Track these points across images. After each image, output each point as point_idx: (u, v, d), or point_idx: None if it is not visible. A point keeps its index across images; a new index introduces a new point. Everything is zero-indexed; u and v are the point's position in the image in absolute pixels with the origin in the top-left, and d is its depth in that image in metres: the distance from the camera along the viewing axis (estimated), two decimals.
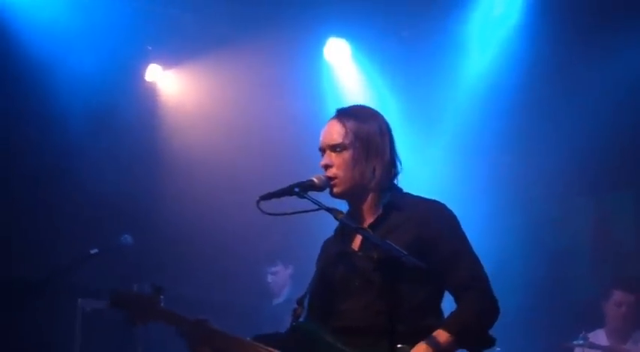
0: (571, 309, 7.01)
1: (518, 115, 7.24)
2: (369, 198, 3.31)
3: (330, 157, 3.28)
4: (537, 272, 7.17)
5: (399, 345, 3.04)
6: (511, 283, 6.88)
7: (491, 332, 3.21)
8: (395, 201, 3.29)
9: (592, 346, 6.05)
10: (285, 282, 7.08)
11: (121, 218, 6.87)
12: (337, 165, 3.26)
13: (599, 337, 6.34)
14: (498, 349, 6.32)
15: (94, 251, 5.94)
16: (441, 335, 3.06)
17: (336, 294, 3.27)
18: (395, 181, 3.38)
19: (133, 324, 3.48)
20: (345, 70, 7.87)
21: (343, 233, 3.34)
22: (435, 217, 3.25)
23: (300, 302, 3.30)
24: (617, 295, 6.32)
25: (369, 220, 3.29)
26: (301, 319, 3.30)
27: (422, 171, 6.73)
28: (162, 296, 3.47)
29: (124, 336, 6.37)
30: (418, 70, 7.54)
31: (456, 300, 3.20)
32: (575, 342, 6.11)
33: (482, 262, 3.26)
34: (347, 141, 3.26)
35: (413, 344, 3.06)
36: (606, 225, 7.36)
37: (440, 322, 3.16)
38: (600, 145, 6.87)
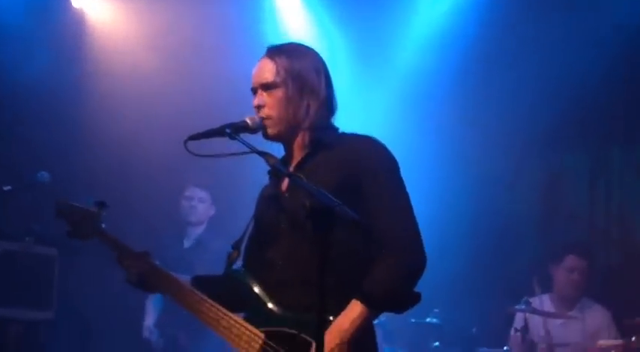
0: (520, 274, 6.83)
1: (475, 66, 7.00)
2: (302, 138, 3.18)
3: (262, 97, 3.17)
4: (486, 235, 6.99)
5: (330, 317, 2.92)
6: (458, 246, 6.85)
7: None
8: (325, 139, 3.16)
9: (534, 311, 5.96)
10: (205, 219, 6.69)
11: (39, 155, 6.68)
12: (269, 104, 3.15)
13: (545, 302, 6.26)
14: (436, 310, 6.37)
15: (6, 188, 5.83)
16: (357, 308, 2.92)
17: (265, 239, 3.20)
18: (331, 120, 3.23)
19: (75, 238, 3.44)
20: (291, 4, 7.66)
21: (276, 176, 3.20)
22: (365, 154, 3.08)
23: (236, 246, 3.25)
24: (570, 260, 6.23)
25: (297, 160, 3.19)
26: (236, 265, 3.23)
27: (367, 115, 6.51)
28: (104, 213, 3.40)
29: (39, 281, 6.25)
30: (369, 8, 7.27)
31: (376, 256, 2.97)
32: (517, 307, 6.00)
33: (413, 212, 3.03)
34: (278, 79, 3.14)
35: (344, 297, 2.92)
36: (559, 188, 7.22)
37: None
38: (560, 105, 6.67)
